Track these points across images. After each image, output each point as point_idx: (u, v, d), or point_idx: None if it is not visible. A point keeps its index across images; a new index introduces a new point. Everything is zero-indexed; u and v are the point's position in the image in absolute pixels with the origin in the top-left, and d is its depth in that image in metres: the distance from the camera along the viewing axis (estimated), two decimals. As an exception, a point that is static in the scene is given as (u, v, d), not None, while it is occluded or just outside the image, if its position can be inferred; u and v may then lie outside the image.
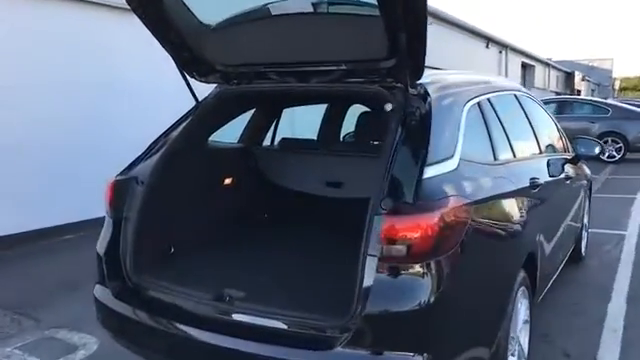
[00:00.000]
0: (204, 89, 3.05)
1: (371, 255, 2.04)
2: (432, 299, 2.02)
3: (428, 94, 2.49)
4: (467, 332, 2.25)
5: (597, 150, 4.29)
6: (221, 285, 2.49)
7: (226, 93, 2.99)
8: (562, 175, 3.82)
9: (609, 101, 16.88)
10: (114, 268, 2.65)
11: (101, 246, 2.74)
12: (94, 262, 2.77)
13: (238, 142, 3.77)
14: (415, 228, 2.03)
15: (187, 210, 3.01)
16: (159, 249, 2.85)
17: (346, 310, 2.07)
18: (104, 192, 2.77)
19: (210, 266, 2.86)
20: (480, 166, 2.60)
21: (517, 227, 2.72)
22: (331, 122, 4.42)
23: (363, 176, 3.38)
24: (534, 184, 3.06)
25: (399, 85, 2.47)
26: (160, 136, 2.97)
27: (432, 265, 2.04)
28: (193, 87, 2.99)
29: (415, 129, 2.32)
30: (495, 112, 3.07)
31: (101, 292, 2.67)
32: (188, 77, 2.95)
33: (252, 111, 3.73)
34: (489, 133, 2.88)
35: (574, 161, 4.27)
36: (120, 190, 2.73)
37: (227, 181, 3.41)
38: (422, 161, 2.20)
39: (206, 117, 3.01)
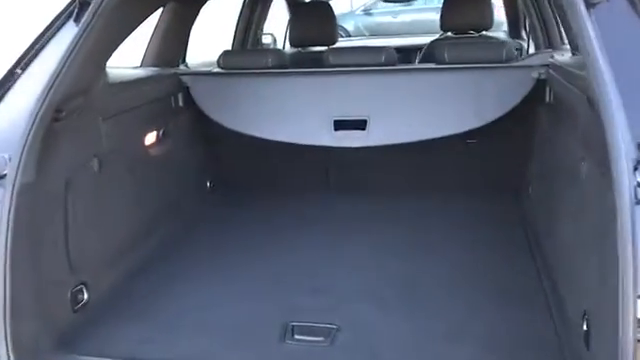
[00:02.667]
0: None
1: None
2: None
3: None
4: None
5: None
6: None
7: None
8: None
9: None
10: None
11: None
12: None
13: (142, 65, 2.28)
14: None
15: (98, 209, 1.62)
16: (64, 300, 1.47)
17: None
18: None
19: (166, 313, 1.56)
20: None
21: None
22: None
23: (411, 104, 2.15)
24: None
25: None
26: (12, 68, 1.47)
27: None
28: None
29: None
30: None
31: None
32: None
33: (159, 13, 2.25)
34: None
35: None
36: None
37: (150, 139, 1.98)
38: None
39: (104, 27, 1.52)
